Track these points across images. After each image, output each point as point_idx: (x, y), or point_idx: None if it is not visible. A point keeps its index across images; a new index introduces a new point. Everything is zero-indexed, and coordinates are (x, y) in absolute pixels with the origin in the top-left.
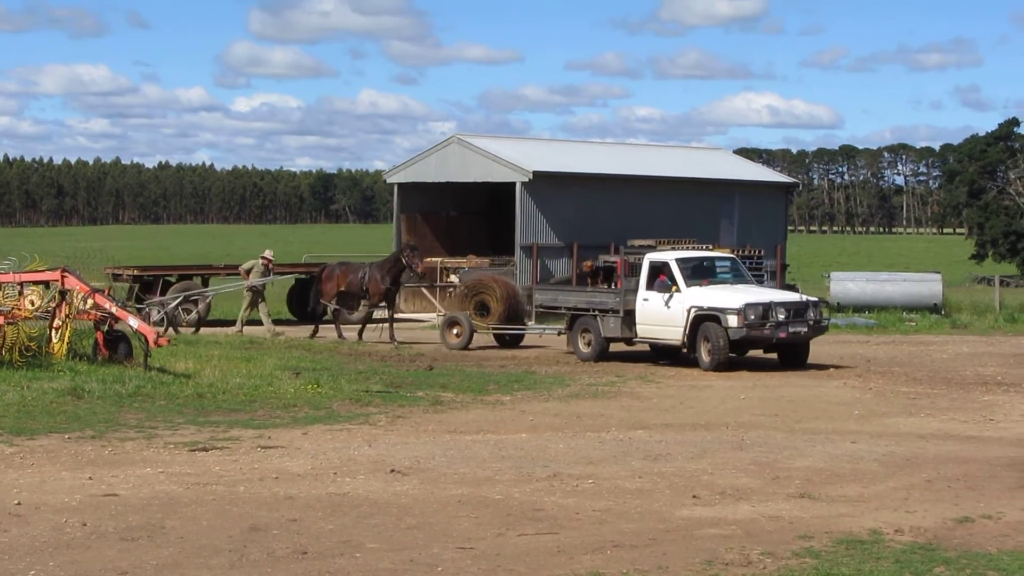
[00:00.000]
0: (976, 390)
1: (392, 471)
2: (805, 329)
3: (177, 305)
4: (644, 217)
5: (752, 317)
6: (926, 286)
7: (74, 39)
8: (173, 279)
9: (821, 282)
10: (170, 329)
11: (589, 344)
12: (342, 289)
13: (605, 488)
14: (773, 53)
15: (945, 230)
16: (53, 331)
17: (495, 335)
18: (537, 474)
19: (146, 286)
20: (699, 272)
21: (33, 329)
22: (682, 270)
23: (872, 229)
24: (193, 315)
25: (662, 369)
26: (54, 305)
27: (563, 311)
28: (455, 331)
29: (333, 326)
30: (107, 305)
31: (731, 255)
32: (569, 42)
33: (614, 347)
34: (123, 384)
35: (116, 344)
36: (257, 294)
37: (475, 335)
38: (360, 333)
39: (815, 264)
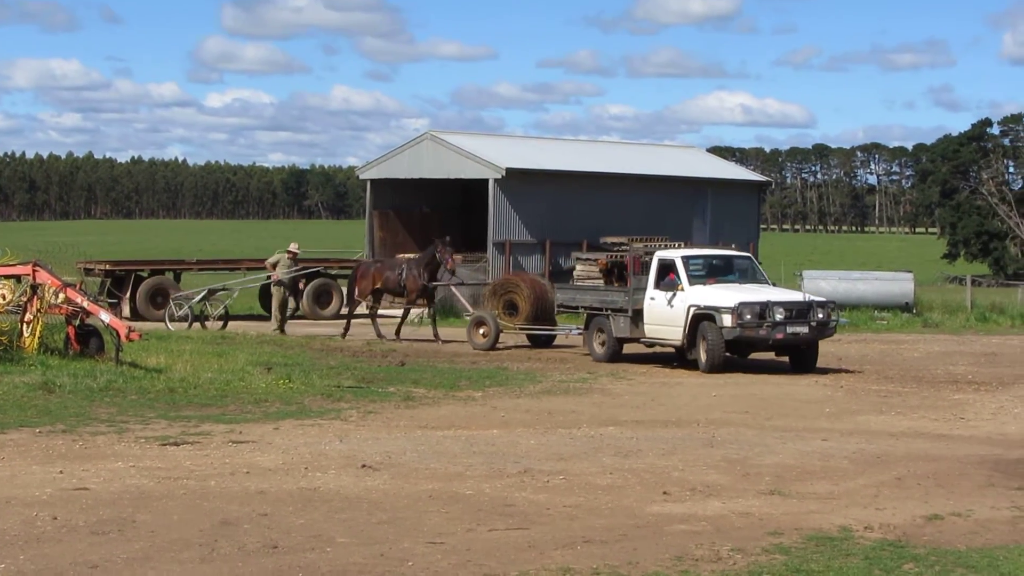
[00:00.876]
0: (947, 389)
1: (363, 466)
2: (806, 330)
3: (202, 299)
4: (617, 214)
5: (747, 317)
6: (898, 285)
7: (46, 33)
8: (145, 274)
9: (794, 281)
10: (195, 324)
11: (604, 344)
12: (377, 287)
13: (576, 484)
14: (746, 52)
15: (917, 230)
16: (24, 325)
17: (528, 335)
18: (508, 470)
19: (118, 281)
20: (707, 270)
21: (4, 323)
22: (688, 268)
23: (845, 228)
24: (221, 309)
25: (634, 366)
26: (25, 299)
27: (581, 311)
28: (481, 331)
29: (371, 324)
30: (79, 299)
31: (745, 253)
32: (542, 39)
33: (633, 348)
34: (94, 379)
35: (88, 339)
36: (286, 288)
37: (502, 335)
38: (397, 331)
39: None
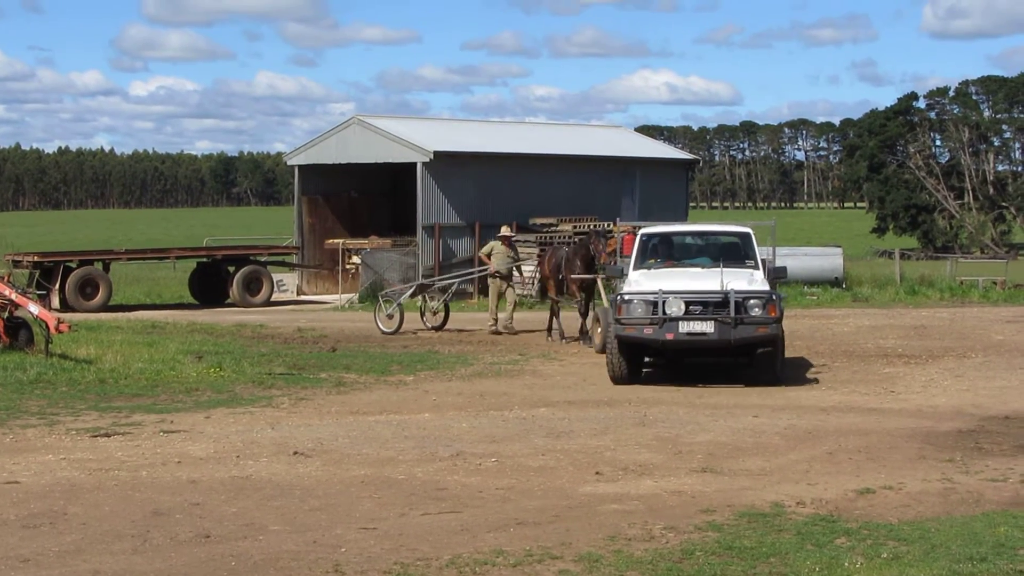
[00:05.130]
0: (877, 362)
1: (295, 453)
2: (711, 329)
3: (413, 295)
4: (546, 195)
5: (631, 311)
6: (827, 260)
7: None
8: (74, 265)
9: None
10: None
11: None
12: (547, 275)
13: (508, 466)
14: (669, 31)
15: (846, 204)
16: None
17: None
18: (440, 453)
19: (47, 272)
20: (676, 251)
21: None
22: (646, 249)
23: (774, 204)
24: (439, 304)
25: (565, 347)
26: None
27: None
28: (599, 328)
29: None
30: (7, 292)
31: (739, 230)
32: (465, 21)
33: None
34: (24, 371)
35: (17, 331)
36: (504, 279)
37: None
38: (581, 331)
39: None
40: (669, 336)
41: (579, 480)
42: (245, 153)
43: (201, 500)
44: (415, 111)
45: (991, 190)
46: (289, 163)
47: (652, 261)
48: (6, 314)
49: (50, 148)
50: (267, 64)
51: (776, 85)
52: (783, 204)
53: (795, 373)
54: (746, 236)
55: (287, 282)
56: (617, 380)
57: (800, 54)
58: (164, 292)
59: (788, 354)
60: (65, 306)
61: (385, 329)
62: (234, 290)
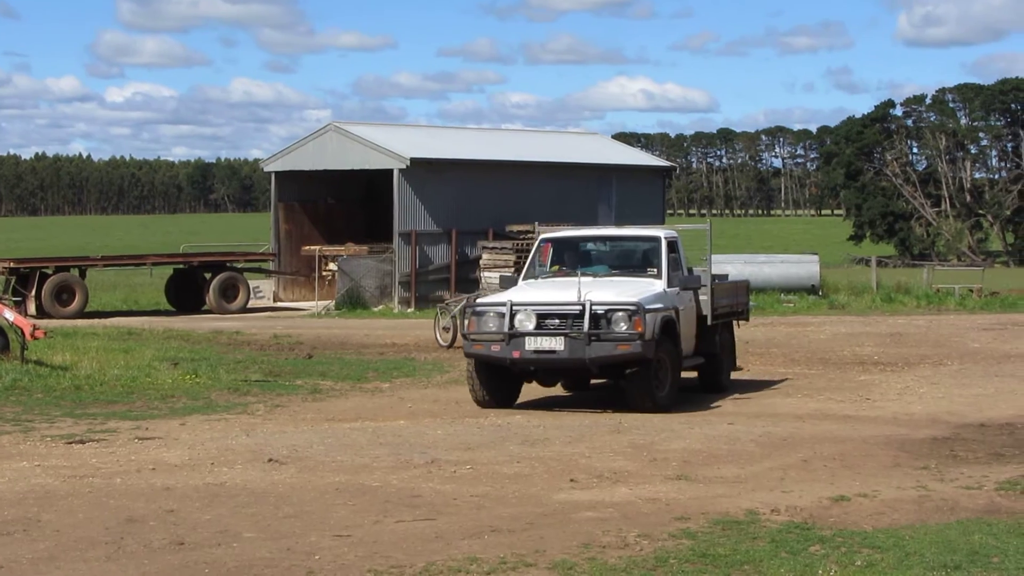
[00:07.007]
0: (853, 370)
1: (270, 460)
2: (560, 347)
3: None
4: (522, 202)
5: (482, 326)
6: (804, 267)
7: None
8: (50, 271)
9: (701, 265)
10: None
11: None
12: None
13: (483, 473)
14: (644, 38)
15: (823, 212)
16: None
17: None
18: (415, 461)
19: (23, 278)
20: (566, 258)
21: None
22: (539, 255)
23: (751, 212)
24: None
25: None
26: None
27: None
28: None
29: None
30: None
31: (651, 234)
32: (440, 28)
33: None
34: None
35: None
36: None
37: None
38: None
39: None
40: (516, 354)
41: (553, 487)
42: (222, 159)
43: (175, 507)
44: (391, 118)
45: (968, 198)
46: (266, 170)
47: (554, 268)
48: None
49: (27, 154)
50: (243, 70)
51: (752, 92)
52: (760, 211)
53: (770, 380)
54: (655, 241)
55: (264, 289)
56: (481, 404)
57: (776, 61)
58: (140, 299)
59: (764, 362)
60: (41, 312)
61: (442, 342)
62: (210, 297)
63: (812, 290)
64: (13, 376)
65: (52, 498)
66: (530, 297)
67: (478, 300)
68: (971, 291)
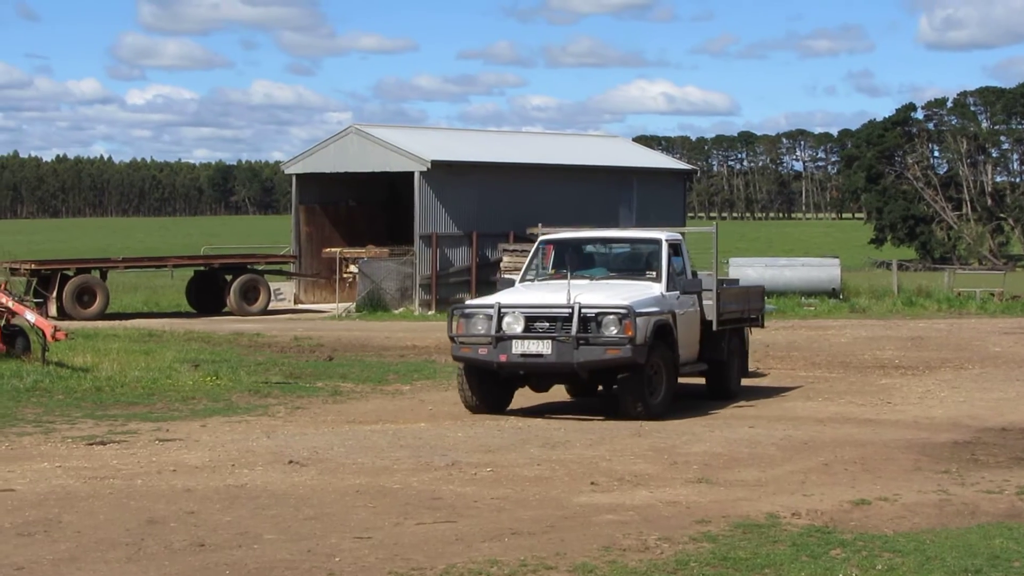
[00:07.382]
0: (874, 373)
1: (290, 462)
2: (548, 351)
3: None
4: (543, 205)
5: (470, 328)
6: (825, 271)
7: None
8: (71, 273)
9: (721, 268)
10: None
11: None
12: None
13: (503, 476)
14: (665, 40)
15: (844, 215)
16: None
17: None
18: (435, 463)
19: (44, 280)
20: (564, 260)
21: None
22: (535, 259)
23: (772, 215)
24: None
25: None
26: None
27: None
28: None
29: None
30: (4, 299)
31: (651, 236)
32: (461, 31)
33: None
34: (21, 379)
35: (13, 339)
36: None
37: None
38: None
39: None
40: (502, 358)
41: (574, 490)
42: (243, 162)
43: (196, 509)
44: (412, 120)
45: (989, 201)
46: (287, 172)
47: (553, 271)
48: (3, 322)
49: (48, 156)
50: (264, 73)
51: (773, 95)
52: (781, 215)
53: (791, 384)
54: (656, 244)
55: (284, 291)
56: (472, 409)
57: (796, 64)
58: (161, 300)
59: (785, 366)
60: (62, 314)
61: None
62: (231, 299)
63: (833, 293)
64: (34, 377)
65: (73, 499)
66: (519, 299)
67: (466, 301)
68: (992, 295)
